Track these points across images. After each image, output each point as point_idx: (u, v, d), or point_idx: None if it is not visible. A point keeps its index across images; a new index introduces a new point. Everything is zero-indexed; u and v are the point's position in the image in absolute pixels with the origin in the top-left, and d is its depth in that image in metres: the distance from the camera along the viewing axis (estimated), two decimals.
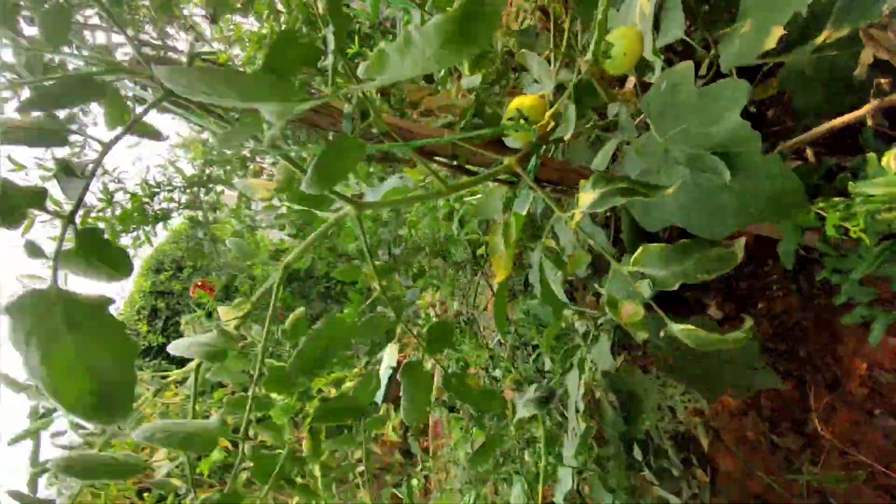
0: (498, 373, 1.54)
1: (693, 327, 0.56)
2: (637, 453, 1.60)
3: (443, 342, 0.82)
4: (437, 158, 0.81)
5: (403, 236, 1.67)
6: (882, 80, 0.65)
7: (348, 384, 2.49)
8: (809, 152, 0.90)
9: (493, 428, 1.44)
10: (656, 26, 1.08)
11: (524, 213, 0.92)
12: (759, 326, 1.43)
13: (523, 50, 0.72)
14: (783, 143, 0.72)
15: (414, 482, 2.84)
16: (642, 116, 1.00)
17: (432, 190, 0.64)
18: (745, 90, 0.64)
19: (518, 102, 0.76)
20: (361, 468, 1.27)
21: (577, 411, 1.43)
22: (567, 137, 0.71)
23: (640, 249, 0.63)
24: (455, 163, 0.79)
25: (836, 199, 0.63)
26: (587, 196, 0.61)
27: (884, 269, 0.69)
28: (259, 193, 0.78)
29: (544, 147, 0.81)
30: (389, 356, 2.87)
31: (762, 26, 0.78)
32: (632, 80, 1.01)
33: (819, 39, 0.89)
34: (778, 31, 0.73)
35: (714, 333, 0.58)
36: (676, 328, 0.61)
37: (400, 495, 2.77)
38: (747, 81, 0.64)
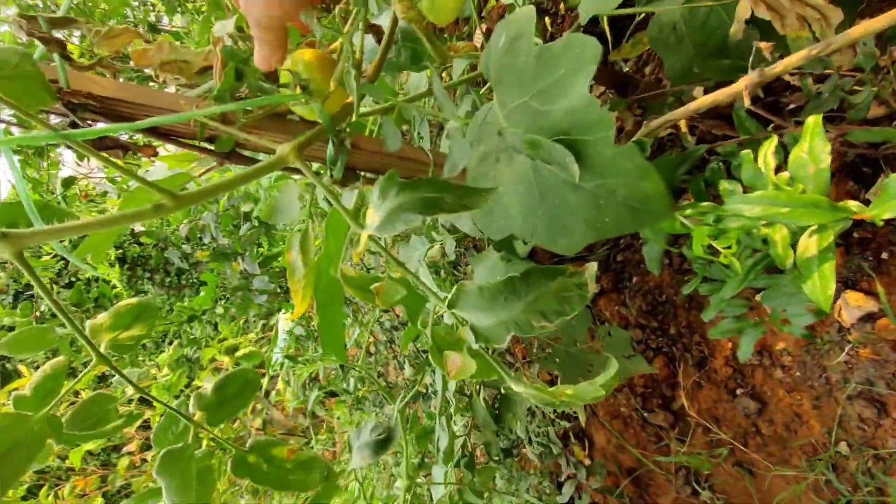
0: (351, 383, 1.35)
1: (533, 388, 0.40)
2: (520, 430, 1.53)
3: (238, 401, 0.59)
4: (186, 143, 0.55)
5: (246, 213, 1.39)
6: (762, 45, 0.50)
7: (242, 351, 2.20)
8: (684, 127, 0.76)
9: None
10: None
11: (350, 204, 0.69)
12: (632, 301, 1.37)
13: None
14: (646, 122, 0.56)
15: (317, 446, 2.66)
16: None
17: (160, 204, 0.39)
18: (592, 51, 0.45)
19: (296, 59, 0.52)
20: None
21: (449, 404, 1.31)
22: (355, 117, 0.49)
23: (454, 289, 0.44)
24: (212, 147, 0.54)
25: (706, 204, 0.48)
26: (374, 213, 0.41)
27: (755, 281, 0.57)
28: None
29: (346, 125, 0.58)
30: (283, 324, 2.62)
31: None
32: (479, 29, 0.80)
33: None
34: None
35: (547, 391, 0.42)
36: (516, 387, 0.44)
37: None
38: (597, 40, 0.45)
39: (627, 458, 1.42)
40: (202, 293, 1.81)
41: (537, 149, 0.47)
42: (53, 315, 1.53)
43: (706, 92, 1.00)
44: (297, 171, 0.63)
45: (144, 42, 0.46)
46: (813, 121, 0.43)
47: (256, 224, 1.45)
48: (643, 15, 0.89)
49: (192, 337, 1.70)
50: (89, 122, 0.53)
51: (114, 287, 1.86)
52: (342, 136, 0.60)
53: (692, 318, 1.22)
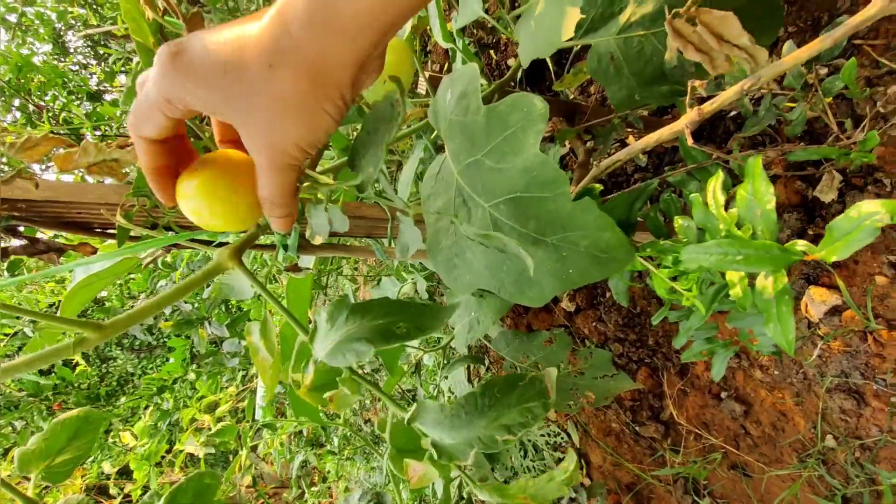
0: (336, 442, 1.31)
1: (500, 491, 0.38)
2: (516, 459, 1.51)
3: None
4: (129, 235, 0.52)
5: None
6: (697, 83, 0.51)
7: (224, 407, 2.10)
8: (642, 155, 0.77)
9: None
10: (455, 2, 0.88)
11: (306, 272, 0.67)
12: (609, 316, 1.38)
13: None
14: (596, 162, 0.56)
15: (311, 500, 2.56)
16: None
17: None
18: (540, 110, 0.45)
19: (185, 177, 0.46)
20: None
21: None
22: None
23: (414, 406, 0.42)
24: (151, 238, 0.51)
25: (664, 243, 0.48)
26: (322, 339, 0.39)
27: (720, 305, 0.58)
28: None
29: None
30: (263, 384, 2.52)
31: (557, 6, 0.60)
32: (423, 76, 0.80)
33: (624, 17, 0.75)
34: (574, 16, 0.56)
35: (510, 495, 0.40)
36: (483, 494, 0.43)
37: None
38: (542, 98, 0.45)
39: (625, 473, 1.41)
40: (171, 360, 1.73)
41: (491, 240, 0.46)
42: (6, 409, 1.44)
43: (649, 113, 1.02)
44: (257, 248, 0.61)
45: (67, 146, 0.44)
46: (753, 162, 0.44)
47: None
48: (579, 46, 0.91)
49: (164, 409, 1.62)
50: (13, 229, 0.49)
51: (77, 365, 1.76)
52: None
53: (668, 327, 1.24)
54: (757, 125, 0.68)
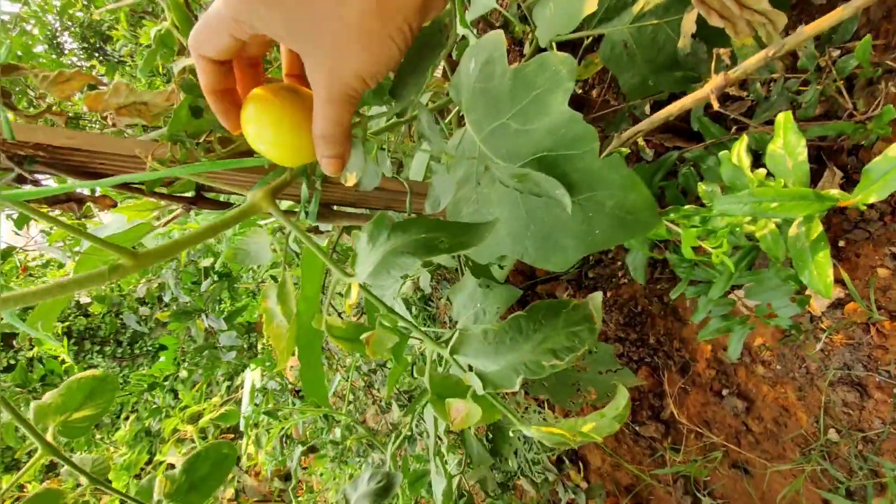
0: (337, 433, 1.29)
1: (551, 430, 0.37)
2: (513, 463, 1.49)
3: (212, 481, 0.54)
4: (145, 191, 0.51)
5: (205, 268, 1.32)
6: (721, 51, 0.52)
7: (207, 418, 2.04)
8: (642, 143, 0.78)
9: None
10: None
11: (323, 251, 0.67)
12: (610, 316, 1.38)
13: None
14: (616, 135, 0.57)
15: None
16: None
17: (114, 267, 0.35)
18: (569, 67, 0.46)
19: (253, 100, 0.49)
20: None
21: (440, 442, 1.26)
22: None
23: (456, 335, 0.42)
24: (170, 192, 0.50)
25: (689, 207, 0.49)
26: (364, 259, 0.39)
27: (739, 279, 0.58)
28: None
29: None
30: (252, 377, 2.48)
31: None
32: (442, 62, 0.81)
33: (637, 7, 0.77)
34: None
35: (562, 432, 0.40)
36: (527, 432, 0.42)
37: None
38: (570, 56, 0.46)
39: (624, 475, 1.40)
40: (162, 359, 1.69)
41: (525, 181, 0.46)
42: None
43: (655, 106, 1.04)
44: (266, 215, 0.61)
45: (99, 85, 0.43)
46: (783, 117, 0.45)
47: (217, 279, 1.38)
48: (590, 39, 0.93)
49: (154, 406, 1.58)
50: (37, 175, 0.48)
51: (63, 362, 1.72)
52: (312, 178, 0.58)
53: (669, 325, 1.24)
54: (769, 110, 0.69)
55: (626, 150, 0.53)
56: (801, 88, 0.65)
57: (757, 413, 1.08)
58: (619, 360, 1.39)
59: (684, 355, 1.21)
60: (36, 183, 0.45)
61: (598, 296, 0.37)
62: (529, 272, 1.61)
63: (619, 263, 1.34)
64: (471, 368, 0.40)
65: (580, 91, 1.17)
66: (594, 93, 1.36)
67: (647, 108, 1.04)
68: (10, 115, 0.48)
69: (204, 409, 2.24)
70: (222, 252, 1.15)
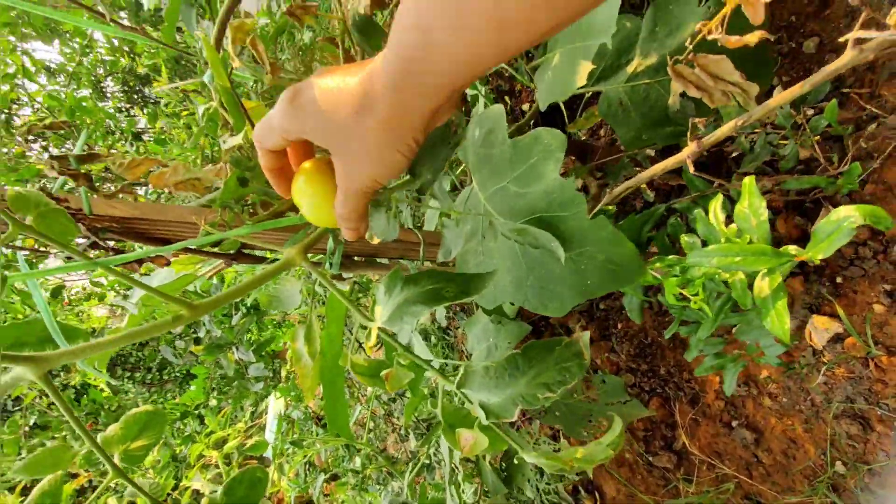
0: (358, 462, 1.34)
1: (548, 456, 0.43)
2: (529, 493, 1.51)
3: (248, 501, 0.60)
4: (197, 249, 0.60)
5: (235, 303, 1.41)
6: (697, 120, 0.58)
7: (232, 443, 2.11)
8: (648, 192, 0.85)
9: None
10: None
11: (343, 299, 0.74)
12: (621, 347, 1.42)
13: None
14: (609, 190, 0.63)
15: None
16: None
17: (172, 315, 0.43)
18: (559, 142, 0.53)
19: (303, 173, 0.58)
20: None
21: (456, 472, 1.30)
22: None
23: (461, 371, 0.48)
24: (217, 250, 0.59)
25: (671, 257, 0.55)
26: (382, 307, 0.46)
27: (727, 319, 0.63)
28: None
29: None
30: (276, 405, 2.54)
31: (571, 59, 0.70)
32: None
33: (630, 68, 0.85)
34: (586, 67, 0.64)
35: (558, 458, 0.45)
36: (531, 457, 0.48)
37: None
38: (561, 132, 0.53)
39: None
40: (192, 387, 1.78)
41: (524, 235, 0.53)
42: (40, 428, 1.49)
43: (655, 153, 1.11)
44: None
45: (161, 167, 0.52)
46: (748, 181, 0.51)
47: (246, 312, 1.46)
48: (590, 93, 1.01)
49: (185, 434, 1.65)
50: (108, 242, 0.57)
51: (102, 390, 1.81)
52: (338, 233, 0.66)
53: (679, 356, 1.27)
54: (753, 161, 0.75)
55: (612, 209, 0.60)
56: (781, 142, 0.71)
57: (766, 445, 1.10)
58: (631, 391, 1.42)
59: (694, 386, 1.24)
60: (107, 249, 0.53)
61: (585, 335, 0.43)
62: None
63: None
64: (475, 402, 0.46)
65: (585, 137, 1.24)
66: (602, 132, 1.43)
67: (650, 152, 1.10)
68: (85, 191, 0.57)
69: (229, 435, 2.32)
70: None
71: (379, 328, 0.51)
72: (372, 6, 0.57)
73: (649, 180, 0.72)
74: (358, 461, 1.31)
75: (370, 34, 0.62)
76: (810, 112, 0.66)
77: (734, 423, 1.15)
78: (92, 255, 0.62)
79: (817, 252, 0.44)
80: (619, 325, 1.43)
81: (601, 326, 1.52)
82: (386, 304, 0.45)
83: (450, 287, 0.45)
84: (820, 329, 0.97)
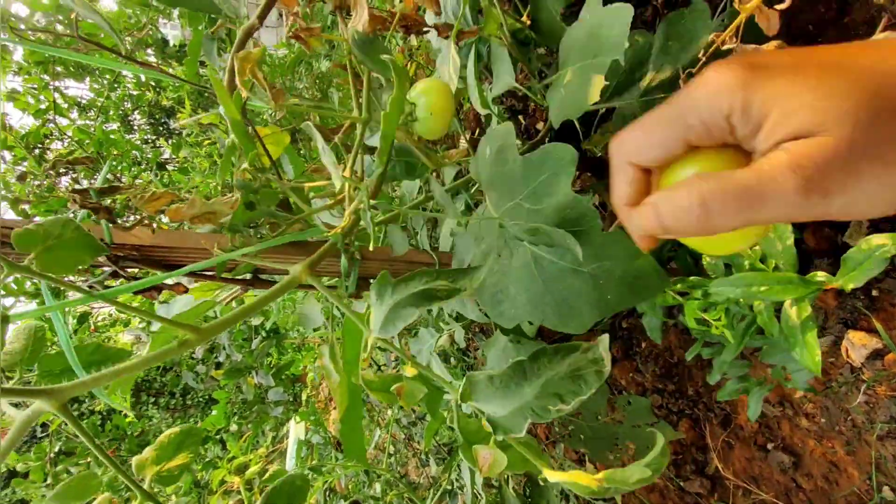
0: (377, 489, 1.32)
1: (579, 474, 0.41)
2: None
3: None
4: (212, 278, 0.60)
5: (255, 326, 1.42)
6: None
7: (254, 469, 2.10)
8: None
9: None
10: (489, 75, 0.99)
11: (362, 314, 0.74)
12: (646, 367, 1.38)
13: (307, 122, 0.55)
14: None
15: None
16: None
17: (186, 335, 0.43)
18: (570, 156, 0.52)
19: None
20: None
21: (478, 498, 1.26)
22: (372, 237, 0.54)
23: (464, 381, 0.47)
24: (231, 276, 0.59)
25: (693, 279, 0.53)
26: (375, 316, 0.45)
27: (752, 342, 0.61)
28: None
29: (353, 238, 0.64)
30: (297, 430, 2.53)
31: (583, 76, 0.69)
32: (464, 136, 0.90)
33: (644, 83, 0.84)
34: (599, 83, 0.63)
35: (607, 478, 0.42)
36: (557, 478, 0.45)
37: None
38: (573, 147, 0.53)
39: None
40: (214, 411, 1.79)
41: (538, 235, 0.52)
42: (66, 454, 1.51)
43: None
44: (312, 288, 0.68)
45: (179, 200, 0.53)
46: None
47: (266, 336, 1.47)
48: (604, 108, 1.00)
49: (206, 460, 1.65)
50: (127, 270, 0.58)
51: (126, 416, 1.84)
52: (351, 250, 0.66)
53: (707, 376, 1.23)
54: None
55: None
56: None
57: (806, 469, 1.04)
58: (658, 412, 1.37)
59: (725, 407, 1.19)
60: (127, 278, 0.54)
61: (604, 338, 0.39)
62: None
63: None
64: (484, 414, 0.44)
65: (601, 155, 1.23)
66: None
67: None
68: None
69: (250, 461, 2.31)
70: (273, 310, 1.25)
71: (386, 341, 0.50)
72: (371, 24, 0.57)
73: None
74: (378, 487, 1.29)
75: (370, 51, 0.63)
76: None
77: (769, 446, 1.10)
78: (115, 283, 0.63)
79: (848, 281, 0.42)
80: (644, 344, 1.39)
81: (625, 346, 1.48)
82: (378, 311, 0.44)
83: (441, 284, 0.43)
84: (857, 345, 0.92)
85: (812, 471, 1.03)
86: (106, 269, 0.52)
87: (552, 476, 0.41)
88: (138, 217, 0.54)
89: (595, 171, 1.03)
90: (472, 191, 0.92)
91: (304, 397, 2.49)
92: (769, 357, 0.60)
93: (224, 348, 1.37)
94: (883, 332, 0.86)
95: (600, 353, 0.40)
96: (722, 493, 1.21)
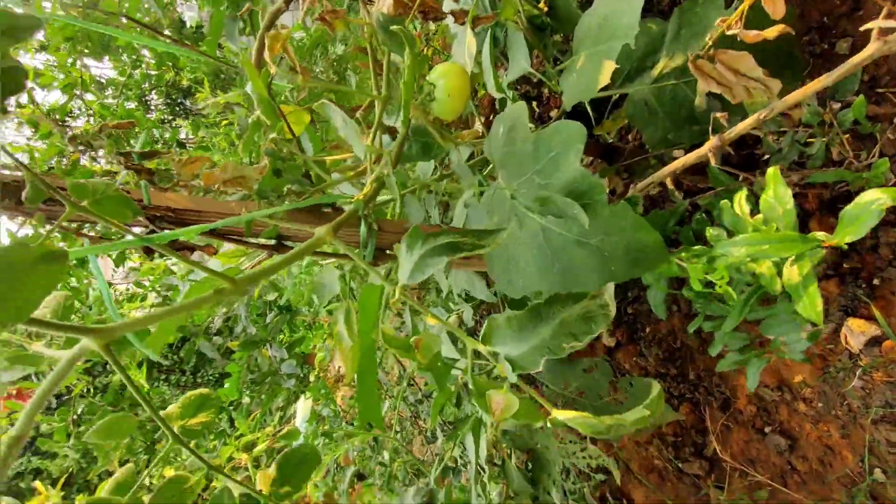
0: (385, 456, 1.36)
1: (581, 414, 0.44)
2: (555, 496, 1.50)
3: (301, 473, 0.63)
4: (240, 238, 0.64)
5: (270, 301, 1.47)
6: (719, 115, 0.60)
7: (261, 447, 2.17)
8: (671, 187, 0.86)
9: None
10: (505, 61, 1.01)
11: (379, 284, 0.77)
12: (649, 350, 1.41)
13: (323, 101, 0.59)
14: (634, 184, 0.65)
15: None
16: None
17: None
18: (578, 132, 0.55)
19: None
20: None
21: (481, 473, 1.31)
22: (398, 204, 0.58)
23: (486, 323, 0.50)
24: (259, 241, 0.63)
25: (697, 247, 0.56)
26: (404, 265, 0.48)
27: (753, 314, 0.64)
28: None
29: (371, 210, 0.67)
30: (304, 409, 2.60)
31: (595, 60, 0.72)
32: (478, 119, 0.92)
33: (657, 70, 0.86)
34: (609, 67, 0.66)
35: (607, 417, 0.46)
36: (563, 417, 0.49)
37: None
38: (582, 124, 0.56)
39: None
40: (226, 385, 1.84)
41: (547, 204, 0.55)
42: (87, 417, 1.58)
43: (683, 154, 1.11)
44: (332, 255, 0.72)
45: (212, 165, 0.56)
46: (772, 171, 0.52)
47: (279, 312, 1.52)
48: (617, 95, 1.02)
49: (219, 430, 1.72)
50: (164, 230, 0.62)
51: (142, 386, 1.91)
52: (370, 220, 0.70)
53: (709, 361, 1.26)
54: (781, 161, 0.75)
55: (636, 197, 0.61)
56: (809, 140, 0.71)
57: (801, 452, 1.07)
58: None
59: (725, 391, 1.22)
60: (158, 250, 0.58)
61: (610, 286, 0.43)
62: None
63: None
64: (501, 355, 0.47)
65: (613, 140, 1.25)
66: (630, 136, 1.44)
67: (679, 154, 1.11)
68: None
69: (258, 439, 2.37)
70: (288, 287, 1.30)
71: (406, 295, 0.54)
72: (395, 7, 0.60)
73: (676, 181, 0.73)
74: (386, 455, 1.34)
75: (392, 33, 0.66)
76: (837, 106, 0.66)
77: (767, 430, 1.13)
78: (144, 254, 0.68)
79: (845, 235, 0.45)
80: (647, 329, 1.42)
81: (629, 331, 1.51)
82: (407, 260, 0.47)
83: (467, 239, 0.46)
84: (856, 332, 0.94)
85: (807, 454, 1.06)
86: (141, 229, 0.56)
87: (559, 414, 0.45)
88: (174, 182, 0.57)
89: (606, 156, 1.05)
90: (485, 173, 0.95)
91: (312, 378, 2.56)
92: (769, 330, 0.63)
93: (241, 319, 1.42)
94: (881, 319, 0.88)
95: (606, 299, 0.44)
96: (719, 475, 1.24)
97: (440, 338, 0.56)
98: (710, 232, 0.60)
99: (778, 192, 0.51)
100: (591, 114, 1.09)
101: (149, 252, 0.71)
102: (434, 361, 1.10)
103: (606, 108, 1.06)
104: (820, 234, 0.49)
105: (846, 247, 0.48)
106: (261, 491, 0.56)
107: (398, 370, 1.76)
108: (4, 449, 0.45)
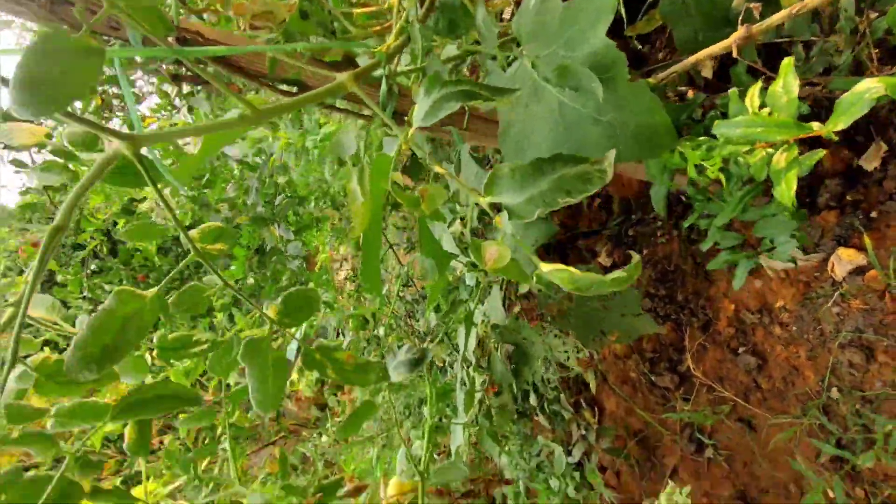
0: (381, 331, 1.45)
1: (566, 268, 0.48)
2: (533, 399, 1.62)
3: (302, 313, 0.69)
4: (264, 81, 0.65)
5: (280, 185, 1.50)
6: (752, 5, 0.59)
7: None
8: (691, 92, 0.85)
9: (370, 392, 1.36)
10: None
11: (392, 152, 0.80)
12: (644, 271, 1.46)
13: None
14: (656, 74, 0.65)
15: (324, 438, 2.76)
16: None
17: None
18: (609, 5, 0.55)
19: None
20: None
21: (469, 364, 1.40)
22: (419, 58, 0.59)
23: (490, 174, 0.53)
24: (282, 85, 0.64)
25: (701, 138, 0.58)
26: (420, 108, 0.50)
27: (748, 214, 0.66)
28: (23, 139, 0.59)
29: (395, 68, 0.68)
30: None
31: None
32: None
33: None
34: None
35: (589, 273, 0.50)
36: (548, 269, 0.53)
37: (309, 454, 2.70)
38: (619, 36, 0.55)
39: (636, 421, 1.50)
40: (233, 267, 1.92)
41: (565, 75, 0.56)
42: (99, 272, 1.67)
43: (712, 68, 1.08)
44: (352, 113, 0.74)
45: None
46: (787, 61, 0.53)
47: (288, 197, 1.56)
48: None
49: (224, 301, 1.82)
50: (191, 62, 0.63)
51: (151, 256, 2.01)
52: (391, 81, 0.71)
53: (699, 284, 1.31)
54: (808, 71, 0.75)
55: (653, 81, 0.62)
56: (837, 53, 0.70)
57: (768, 371, 1.15)
58: (645, 315, 1.47)
59: (708, 314, 1.28)
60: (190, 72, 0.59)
61: (612, 153, 0.46)
62: (572, 225, 1.69)
63: (659, 223, 1.41)
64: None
65: (642, 47, 1.22)
66: (658, 43, 1.40)
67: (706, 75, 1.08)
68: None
69: (256, 335, 2.50)
70: (300, 166, 1.33)
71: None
72: None
73: (705, 90, 0.73)
74: (381, 331, 1.43)
75: None
76: (874, 16, 0.65)
77: (741, 350, 1.20)
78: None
79: (836, 123, 0.46)
80: (646, 251, 1.46)
81: (626, 253, 1.55)
82: (424, 102, 0.49)
83: (483, 90, 0.48)
84: (844, 261, 0.98)
85: (773, 373, 1.13)
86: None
87: (545, 267, 0.49)
88: (205, 4, 0.58)
89: (633, 63, 1.03)
90: (511, 56, 0.94)
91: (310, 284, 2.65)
92: (760, 230, 0.66)
93: (252, 193, 1.47)
94: (870, 248, 0.91)
95: (605, 165, 0.47)
96: (688, 389, 1.33)
97: (444, 190, 0.59)
98: (717, 124, 0.61)
99: (787, 83, 0.52)
100: (623, 14, 1.06)
101: (176, 79, 0.72)
102: (432, 247, 1.14)
103: (641, 8, 1.02)
104: (814, 124, 0.50)
105: (835, 137, 0.49)
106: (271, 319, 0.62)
107: (398, 269, 1.83)
108: (47, 238, 0.49)
